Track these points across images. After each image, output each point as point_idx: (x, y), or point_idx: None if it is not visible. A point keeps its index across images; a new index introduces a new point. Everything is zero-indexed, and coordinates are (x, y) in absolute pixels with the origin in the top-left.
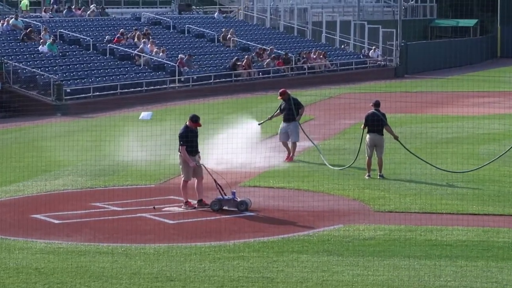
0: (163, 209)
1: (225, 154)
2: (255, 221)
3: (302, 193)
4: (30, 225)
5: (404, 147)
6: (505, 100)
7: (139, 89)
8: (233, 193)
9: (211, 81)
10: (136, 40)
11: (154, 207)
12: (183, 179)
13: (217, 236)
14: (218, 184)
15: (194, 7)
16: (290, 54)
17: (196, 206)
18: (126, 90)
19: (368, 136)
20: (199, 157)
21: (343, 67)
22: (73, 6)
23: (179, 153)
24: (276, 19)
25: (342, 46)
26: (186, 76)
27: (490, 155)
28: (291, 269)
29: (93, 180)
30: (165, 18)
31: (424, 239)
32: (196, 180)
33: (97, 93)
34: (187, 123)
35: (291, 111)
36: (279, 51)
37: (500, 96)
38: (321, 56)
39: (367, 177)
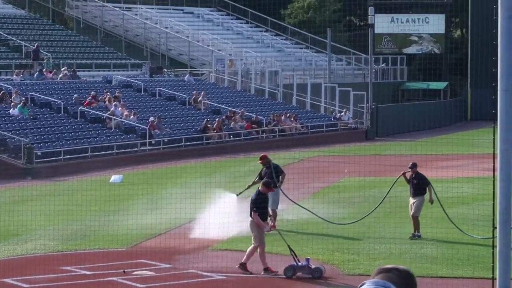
0: (133, 273)
1: (198, 222)
2: (226, 285)
3: (272, 257)
4: None
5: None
6: (474, 163)
7: (110, 152)
8: (307, 260)
9: (182, 143)
10: (107, 103)
11: (124, 271)
12: (258, 246)
13: None
14: (292, 250)
15: (165, 69)
16: (260, 117)
17: (238, 266)
18: (97, 153)
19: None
20: (271, 220)
21: (314, 130)
22: (44, 69)
23: (250, 218)
24: (247, 81)
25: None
26: (157, 139)
27: (459, 218)
28: None
29: (63, 244)
30: (136, 81)
31: None
32: (252, 244)
33: (68, 156)
34: (260, 188)
35: (272, 178)
36: (250, 114)
37: (469, 159)
38: (292, 119)
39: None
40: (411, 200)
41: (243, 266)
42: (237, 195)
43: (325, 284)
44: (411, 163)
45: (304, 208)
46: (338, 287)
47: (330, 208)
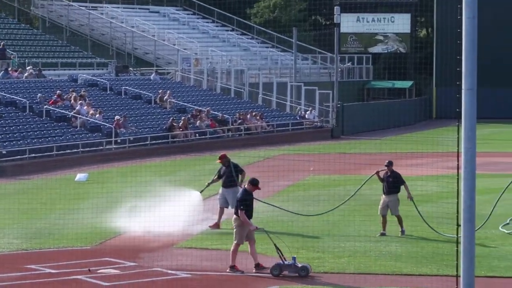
0: (98, 271)
1: (164, 218)
2: (191, 283)
3: (238, 254)
4: None
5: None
6: (439, 161)
7: (75, 150)
8: (294, 258)
9: (148, 142)
10: (72, 101)
11: (89, 269)
12: (235, 242)
13: None
14: (278, 249)
15: (131, 68)
16: (226, 116)
17: (254, 271)
18: (62, 152)
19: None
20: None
21: (279, 128)
22: (10, 68)
23: (234, 216)
24: (213, 80)
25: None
26: (122, 138)
27: (425, 216)
28: None
29: (28, 242)
30: (102, 80)
31: None
32: (249, 245)
33: (33, 155)
34: (246, 186)
35: (232, 177)
36: (215, 112)
37: (434, 157)
38: (258, 117)
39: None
40: (385, 198)
41: (257, 266)
42: (201, 192)
43: (306, 283)
44: (387, 161)
45: (270, 205)
46: (311, 285)
47: (295, 206)
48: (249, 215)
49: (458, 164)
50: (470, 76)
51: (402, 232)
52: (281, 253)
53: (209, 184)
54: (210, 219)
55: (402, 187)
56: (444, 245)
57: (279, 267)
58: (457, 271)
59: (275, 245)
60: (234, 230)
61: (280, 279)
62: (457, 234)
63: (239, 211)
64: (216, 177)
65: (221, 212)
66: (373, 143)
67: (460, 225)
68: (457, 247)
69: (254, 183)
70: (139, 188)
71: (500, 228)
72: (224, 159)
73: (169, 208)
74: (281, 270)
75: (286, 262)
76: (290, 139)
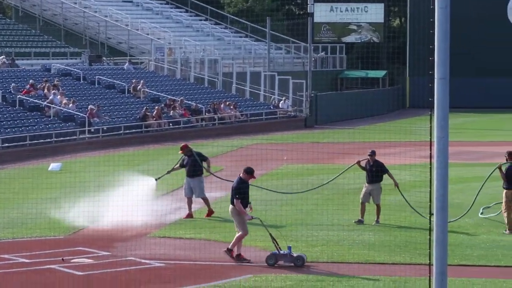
0: (72, 261)
1: (123, 208)
2: (164, 272)
3: (211, 244)
4: None
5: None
6: (412, 150)
7: (49, 140)
8: (289, 248)
9: (121, 132)
10: (46, 91)
11: (62, 259)
12: (240, 233)
13: (125, 287)
14: (274, 238)
15: (104, 58)
16: (200, 105)
17: (223, 250)
18: (35, 141)
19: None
20: (250, 207)
21: (253, 118)
22: None
23: (231, 206)
24: (186, 70)
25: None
26: (96, 127)
27: (397, 205)
28: None
29: (0, 232)
30: (75, 69)
31: None
32: (237, 232)
33: (6, 145)
34: (241, 175)
35: (196, 166)
36: (189, 102)
37: (407, 146)
38: (232, 107)
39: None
40: (369, 187)
41: (238, 256)
42: (156, 179)
43: (299, 272)
44: (370, 151)
45: (264, 188)
46: (284, 274)
47: (269, 194)
48: (245, 204)
49: (430, 153)
50: (442, 66)
51: (377, 222)
52: (277, 243)
53: (169, 172)
54: (183, 209)
55: (385, 176)
56: (417, 234)
57: (275, 257)
58: (430, 259)
59: (270, 234)
60: (235, 223)
61: (254, 268)
62: (430, 223)
63: (234, 200)
64: (177, 165)
65: (190, 202)
66: (347, 132)
67: (432, 214)
68: (429, 235)
69: (249, 172)
70: (103, 178)
71: (479, 215)
72: (185, 149)
73: (122, 197)
74: (277, 259)
75: (281, 252)
76: (263, 129)
